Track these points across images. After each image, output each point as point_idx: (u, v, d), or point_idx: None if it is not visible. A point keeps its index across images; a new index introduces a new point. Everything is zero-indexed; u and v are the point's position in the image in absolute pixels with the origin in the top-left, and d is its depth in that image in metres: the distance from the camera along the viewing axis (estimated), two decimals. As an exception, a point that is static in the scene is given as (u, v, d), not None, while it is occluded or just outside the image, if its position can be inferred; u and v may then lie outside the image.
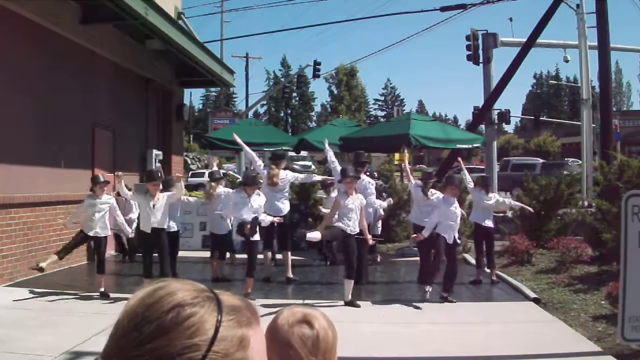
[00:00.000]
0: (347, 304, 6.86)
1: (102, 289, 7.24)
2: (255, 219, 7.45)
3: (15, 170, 8.02)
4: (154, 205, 7.18)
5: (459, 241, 8.01)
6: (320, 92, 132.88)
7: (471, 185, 8.97)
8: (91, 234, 7.41)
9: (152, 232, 7.16)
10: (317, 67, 26.64)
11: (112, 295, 7.20)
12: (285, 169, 9.05)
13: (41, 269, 7.35)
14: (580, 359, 5.11)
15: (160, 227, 7.25)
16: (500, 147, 42.10)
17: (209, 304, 0.78)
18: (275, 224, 8.14)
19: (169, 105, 13.99)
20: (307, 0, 31.71)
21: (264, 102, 60.62)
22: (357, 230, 7.11)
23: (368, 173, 9.24)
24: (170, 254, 7.48)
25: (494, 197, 8.90)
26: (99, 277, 7.38)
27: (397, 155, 32.39)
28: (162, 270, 7.09)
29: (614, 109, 35.41)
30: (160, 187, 7.40)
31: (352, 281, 7.01)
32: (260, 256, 10.21)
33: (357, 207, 7.06)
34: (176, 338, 0.73)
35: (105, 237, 7.59)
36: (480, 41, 20.01)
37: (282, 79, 64.99)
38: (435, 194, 8.63)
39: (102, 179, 7.47)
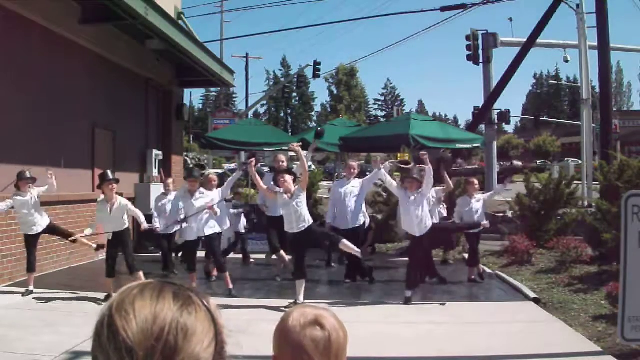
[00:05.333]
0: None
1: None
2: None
3: (16, 170, 8.00)
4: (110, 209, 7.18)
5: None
6: (320, 92, 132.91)
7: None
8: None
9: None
10: (317, 67, 26.69)
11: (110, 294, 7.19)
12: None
13: None
14: (580, 359, 5.11)
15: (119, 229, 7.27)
16: (500, 147, 42.12)
17: None
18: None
19: (169, 105, 13.99)
20: (307, 0, 31.68)
21: (264, 102, 60.71)
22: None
23: (368, 173, 9.29)
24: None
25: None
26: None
27: (399, 156, 32.44)
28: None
29: (614, 109, 35.46)
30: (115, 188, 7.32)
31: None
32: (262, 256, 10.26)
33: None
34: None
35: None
36: (480, 41, 20.01)
37: (282, 79, 65.03)
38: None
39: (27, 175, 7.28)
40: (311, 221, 7.03)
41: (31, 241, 7.46)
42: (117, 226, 7.24)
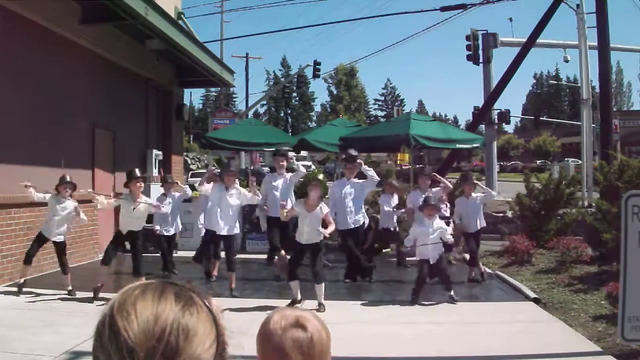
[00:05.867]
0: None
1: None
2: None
3: (15, 170, 8.01)
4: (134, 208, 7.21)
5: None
6: (320, 92, 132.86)
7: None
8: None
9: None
10: (317, 67, 26.71)
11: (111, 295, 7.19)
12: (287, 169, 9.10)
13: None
14: (580, 359, 5.11)
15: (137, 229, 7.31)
16: (500, 147, 42.15)
17: None
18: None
19: (169, 105, 13.98)
20: (307, 0, 31.69)
21: (264, 102, 60.71)
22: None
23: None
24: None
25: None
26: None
27: (399, 156, 32.42)
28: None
29: (615, 109, 35.43)
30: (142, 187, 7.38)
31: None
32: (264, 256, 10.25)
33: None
34: None
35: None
36: (480, 41, 20.05)
37: (282, 79, 65.04)
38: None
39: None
40: (321, 238, 6.85)
41: (41, 240, 7.45)
42: (135, 226, 7.28)
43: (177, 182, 9.42)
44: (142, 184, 7.36)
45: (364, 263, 8.57)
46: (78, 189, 7.74)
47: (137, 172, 7.43)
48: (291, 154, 11.82)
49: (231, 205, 7.51)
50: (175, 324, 0.78)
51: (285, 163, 8.98)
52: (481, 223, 8.67)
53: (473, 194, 8.73)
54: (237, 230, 7.83)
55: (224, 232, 7.59)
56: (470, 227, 8.60)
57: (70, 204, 7.42)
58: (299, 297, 6.80)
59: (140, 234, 7.43)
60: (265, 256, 10.14)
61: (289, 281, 6.93)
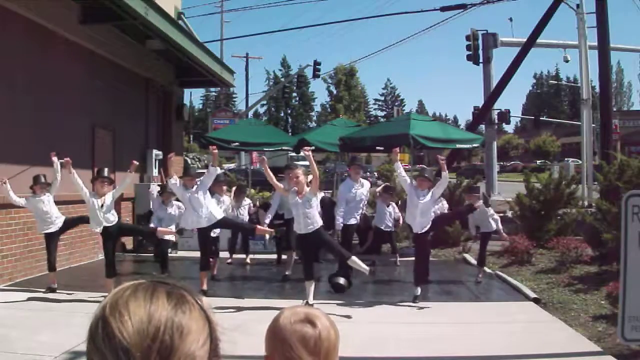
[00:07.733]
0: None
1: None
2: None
3: (16, 170, 8.01)
4: (102, 205, 7.18)
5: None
6: (320, 92, 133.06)
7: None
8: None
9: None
10: (317, 67, 26.71)
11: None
12: None
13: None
14: (580, 359, 5.11)
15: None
16: (500, 147, 42.16)
17: None
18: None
19: (169, 105, 13.98)
20: (307, 0, 31.69)
21: (264, 102, 60.69)
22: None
23: (368, 173, 9.38)
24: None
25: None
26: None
27: (400, 156, 32.45)
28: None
29: (615, 109, 35.44)
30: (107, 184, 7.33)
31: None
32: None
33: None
34: None
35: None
36: (480, 41, 20.04)
37: (282, 79, 65.03)
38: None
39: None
40: (320, 223, 6.84)
41: (49, 240, 7.49)
42: (106, 221, 7.21)
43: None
44: (106, 184, 7.24)
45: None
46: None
47: (106, 171, 7.52)
48: (291, 154, 11.85)
49: (200, 199, 7.32)
50: (169, 323, 0.78)
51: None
52: (496, 225, 8.64)
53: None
54: (218, 215, 7.51)
55: (205, 224, 7.38)
56: (487, 227, 8.56)
57: (46, 197, 7.46)
58: (311, 300, 6.59)
59: (119, 222, 7.39)
60: (274, 256, 10.13)
61: (306, 280, 6.78)
